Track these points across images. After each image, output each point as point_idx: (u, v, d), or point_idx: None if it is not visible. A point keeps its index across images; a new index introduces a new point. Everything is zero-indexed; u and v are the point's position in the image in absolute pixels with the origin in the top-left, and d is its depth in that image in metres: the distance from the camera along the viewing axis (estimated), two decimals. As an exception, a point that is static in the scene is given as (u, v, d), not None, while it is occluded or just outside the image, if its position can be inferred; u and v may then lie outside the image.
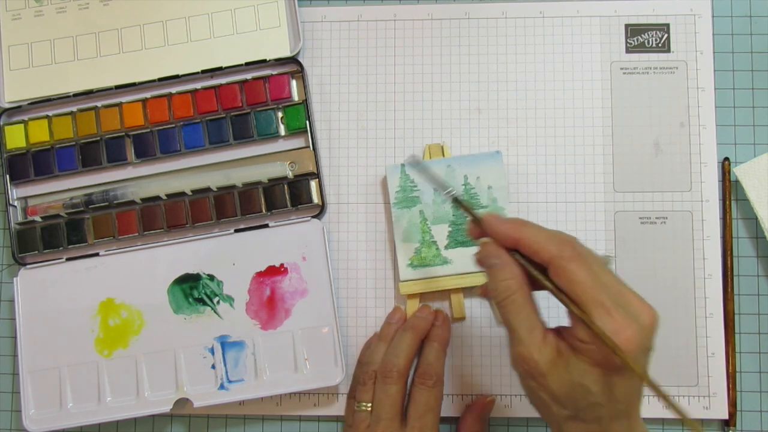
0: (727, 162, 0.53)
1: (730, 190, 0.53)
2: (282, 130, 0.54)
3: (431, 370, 0.47)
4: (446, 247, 0.52)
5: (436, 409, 0.47)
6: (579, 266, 0.36)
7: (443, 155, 0.53)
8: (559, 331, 0.39)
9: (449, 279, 0.51)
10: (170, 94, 0.55)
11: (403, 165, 0.52)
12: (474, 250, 0.50)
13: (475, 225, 0.41)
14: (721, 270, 0.52)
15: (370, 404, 0.47)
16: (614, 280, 0.37)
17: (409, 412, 0.46)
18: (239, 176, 0.53)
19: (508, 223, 0.39)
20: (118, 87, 0.55)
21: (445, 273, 0.51)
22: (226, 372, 0.52)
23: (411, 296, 0.52)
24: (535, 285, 0.40)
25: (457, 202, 0.43)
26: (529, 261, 0.39)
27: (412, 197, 0.52)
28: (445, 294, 0.52)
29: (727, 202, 0.53)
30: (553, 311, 0.52)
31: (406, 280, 0.51)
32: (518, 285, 0.38)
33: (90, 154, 0.55)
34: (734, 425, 0.51)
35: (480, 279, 0.51)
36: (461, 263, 0.51)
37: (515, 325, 0.38)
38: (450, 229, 0.52)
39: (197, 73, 0.55)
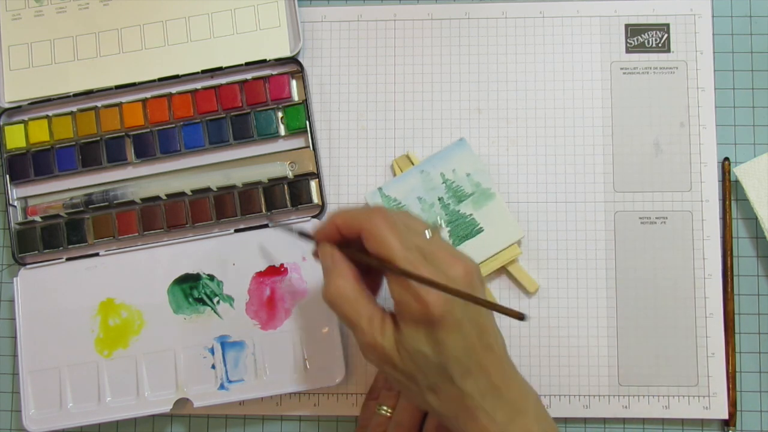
0: (727, 162, 0.53)
1: (730, 190, 0.53)
2: (282, 130, 0.54)
3: None
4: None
5: None
6: (387, 230, 0.39)
7: (412, 164, 0.53)
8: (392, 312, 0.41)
9: None
10: (170, 94, 0.55)
11: (380, 188, 0.52)
12: (476, 239, 0.51)
13: (313, 242, 0.44)
14: (721, 270, 0.52)
15: (391, 410, 0.47)
16: (427, 242, 0.40)
17: (427, 425, 0.46)
18: (239, 176, 0.53)
19: (326, 221, 0.42)
20: (118, 87, 0.55)
21: None
22: (226, 372, 0.52)
23: None
24: (377, 273, 0.43)
25: (303, 235, 0.46)
26: (359, 250, 0.41)
27: None
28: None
29: (727, 202, 0.53)
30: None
31: None
32: (349, 280, 0.40)
33: (90, 154, 0.55)
34: (734, 425, 0.51)
35: (494, 263, 0.51)
36: (472, 256, 0.51)
37: (354, 319, 0.40)
38: (448, 228, 0.52)
39: (197, 73, 0.55)
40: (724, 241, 0.52)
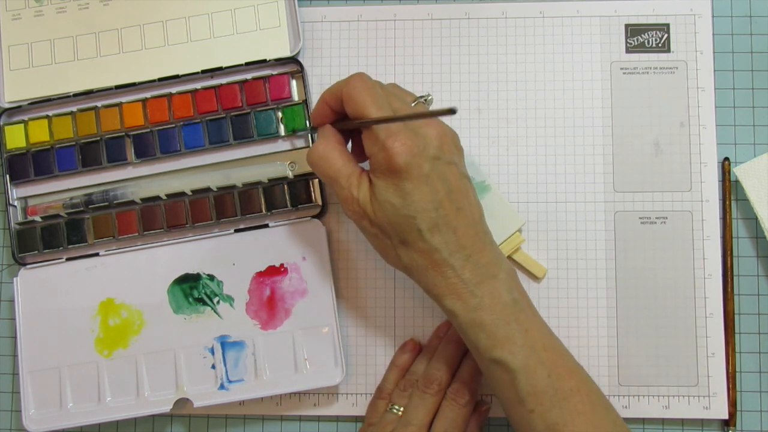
0: (727, 162, 0.53)
1: (730, 190, 0.53)
2: (282, 130, 0.54)
3: (465, 389, 0.47)
4: None
5: (462, 427, 0.47)
6: (362, 91, 0.42)
7: None
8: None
9: None
10: (170, 94, 0.55)
11: None
12: None
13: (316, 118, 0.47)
14: (721, 270, 0.52)
15: (402, 408, 0.48)
16: (404, 107, 0.43)
17: (436, 425, 0.47)
18: (239, 176, 0.53)
19: (318, 101, 0.46)
20: (118, 87, 0.55)
21: None
22: (226, 372, 0.52)
23: None
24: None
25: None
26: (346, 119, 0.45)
27: None
28: None
29: (727, 202, 0.53)
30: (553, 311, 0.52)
31: None
32: (330, 142, 0.44)
33: (90, 154, 0.55)
34: (734, 425, 0.51)
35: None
36: None
37: (333, 175, 0.44)
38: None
39: (197, 73, 0.55)
40: (724, 241, 0.52)
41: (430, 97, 0.47)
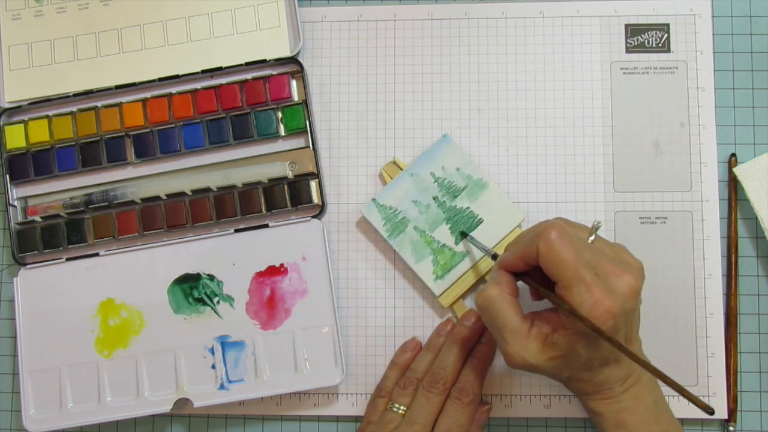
0: (733, 158, 0.53)
1: (736, 186, 0.53)
2: (282, 130, 0.54)
3: (469, 387, 0.48)
4: (456, 243, 0.52)
5: (465, 426, 0.47)
6: (562, 247, 0.40)
7: (400, 169, 0.53)
8: (541, 314, 0.44)
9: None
10: (170, 94, 0.55)
11: (374, 200, 0.52)
12: (478, 230, 0.52)
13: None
14: (720, 270, 0.52)
15: (404, 408, 0.48)
16: (594, 253, 0.41)
17: (440, 424, 0.47)
18: (239, 176, 0.53)
19: (506, 251, 0.45)
20: (118, 87, 0.55)
21: (469, 264, 0.52)
22: (226, 372, 0.52)
23: (455, 303, 0.52)
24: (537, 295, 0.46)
25: (495, 258, 0.48)
26: (535, 275, 0.43)
27: (400, 221, 0.52)
28: (482, 281, 0.52)
29: (733, 198, 0.52)
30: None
31: (442, 293, 0.52)
32: (502, 290, 0.43)
33: (90, 154, 0.55)
34: (734, 421, 0.51)
35: (500, 250, 0.51)
36: (477, 247, 0.52)
37: (499, 326, 0.43)
38: (449, 225, 0.52)
39: (197, 73, 0.55)
40: (729, 237, 0.52)
41: (599, 224, 0.47)
